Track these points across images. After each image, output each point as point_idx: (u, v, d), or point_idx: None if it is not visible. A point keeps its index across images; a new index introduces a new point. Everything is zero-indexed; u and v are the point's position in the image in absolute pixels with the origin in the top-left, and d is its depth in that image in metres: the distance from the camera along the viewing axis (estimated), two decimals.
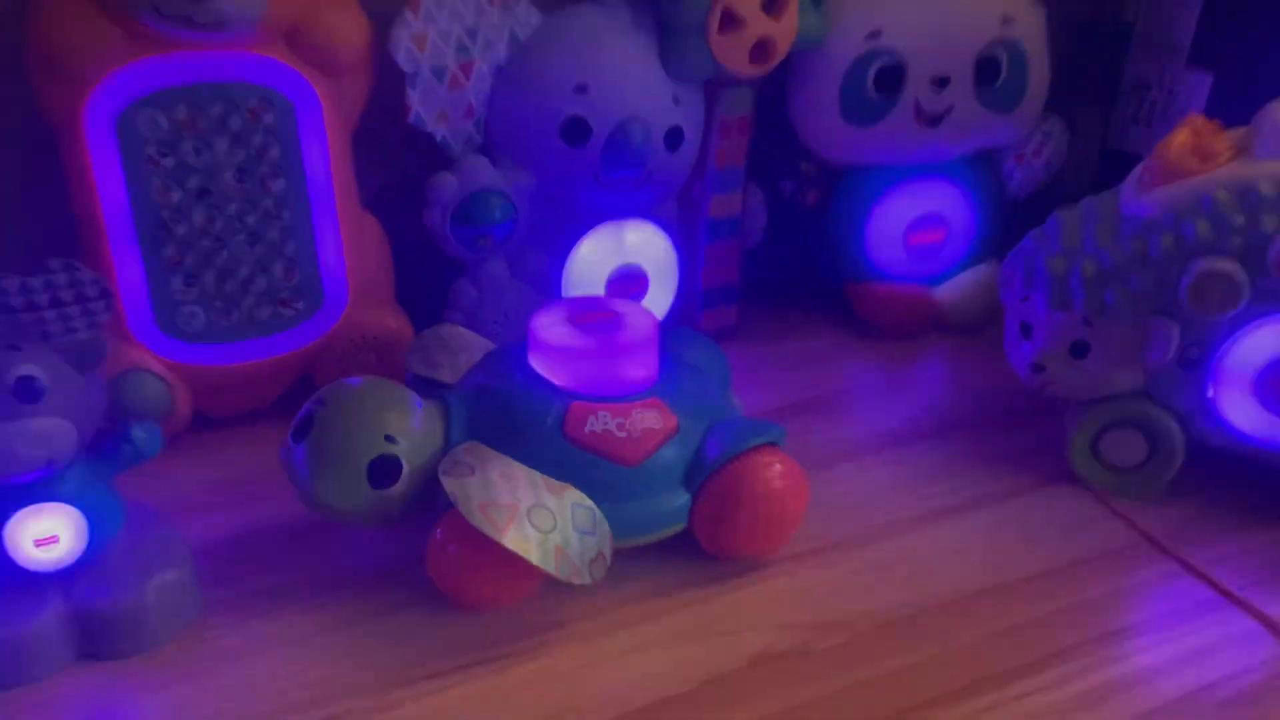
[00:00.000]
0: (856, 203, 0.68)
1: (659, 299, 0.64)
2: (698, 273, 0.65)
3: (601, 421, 0.47)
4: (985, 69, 0.65)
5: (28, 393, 0.39)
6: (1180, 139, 0.52)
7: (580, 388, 0.48)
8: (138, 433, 0.44)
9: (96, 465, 0.44)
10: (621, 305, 0.51)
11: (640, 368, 0.49)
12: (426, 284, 0.61)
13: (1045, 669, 0.44)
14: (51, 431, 0.40)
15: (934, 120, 0.65)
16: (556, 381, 0.48)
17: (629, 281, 0.63)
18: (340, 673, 0.44)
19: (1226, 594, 0.48)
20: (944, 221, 0.69)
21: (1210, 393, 0.52)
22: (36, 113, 0.52)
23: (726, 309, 0.67)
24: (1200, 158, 0.51)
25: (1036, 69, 0.66)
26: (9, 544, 0.42)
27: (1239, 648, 0.46)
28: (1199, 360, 0.52)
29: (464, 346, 0.53)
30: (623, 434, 0.47)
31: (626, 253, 0.63)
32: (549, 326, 0.49)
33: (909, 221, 0.68)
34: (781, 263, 0.71)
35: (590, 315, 0.50)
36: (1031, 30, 0.65)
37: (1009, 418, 0.61)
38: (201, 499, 0.53)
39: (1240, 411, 0.52)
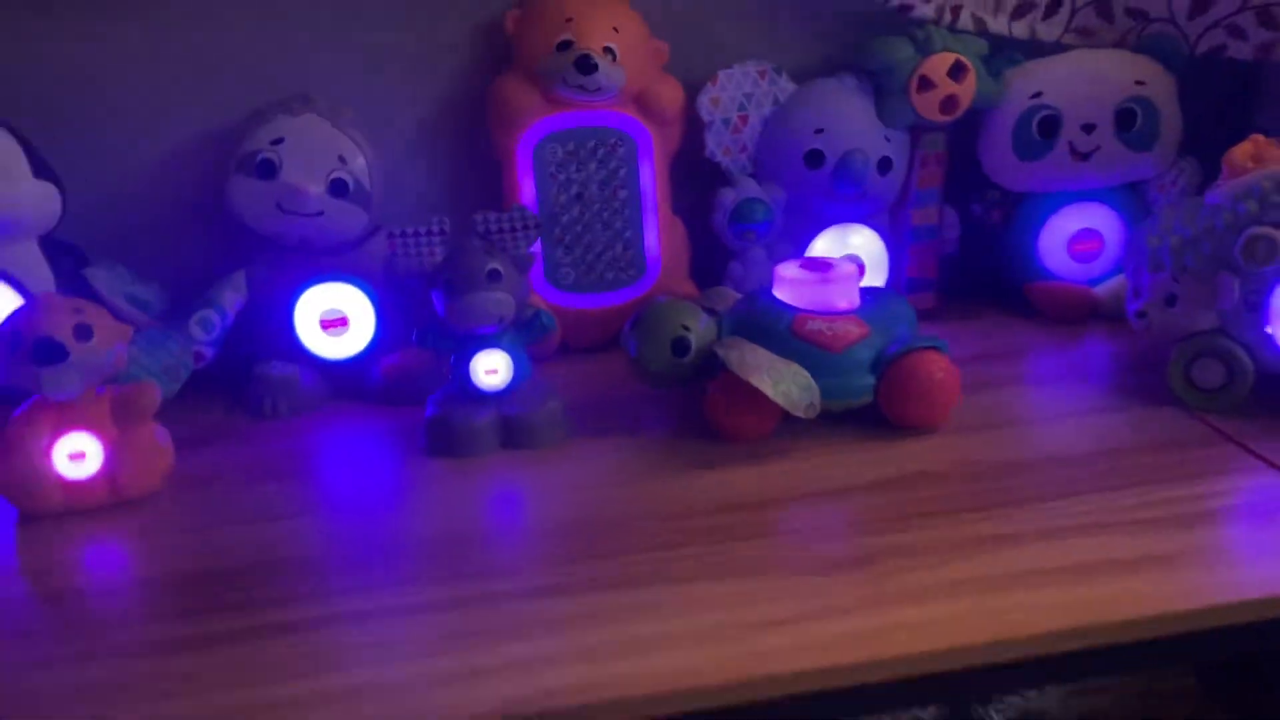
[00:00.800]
0: (1030, 221, 0.92)
1: (874, 283, 0.90)
2: (903, 266, 0.91)
3: (816, 325, 0.73)
4: (1124, 118, 0.87)
5: (495, 276, 0.71)
6: (1243, 148, 0.74)
7: (804, 305, 0.75)
8: (544, 318, 0.76)
9: (521, 333, 0.75)
10: (836, 260, 0.78)
11: (843, 296, 0.75)
12: (711, 265, 0.90)
13: (1131, 491, 0.66)
14: (504, 302, 0.72)
15: (1084, 156, 0.88)
16: (789, 302, 0.75)
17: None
18: (658, 461, 0.72)
19: (1274, 466, 0.67)
20: (1099, 235, 0.91)
21: (1269, 328, 0.71)
22: (489, 144, 0.87)
23: (926, 295, 0.92)
24: (1256, 161, 0.73)
25: (1168, 119, 0.88)
26: (471, 370, 0.74)
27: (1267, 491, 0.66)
28: (1257, 305, 0.72)
29: (732, 299, 0.82)
30: (830, 333, 0.73)
31: (850, 248, 0.90)
32: (786, 268, 0.76)
33: (1071, 235, 0.91)
34: (974, 267, 0.95)
35: (813, 264, 0.77)
36: (1161, 90, 0.88)
37: (1137, 370, 0.82)
38: (564, 387, 0.83)
39: None
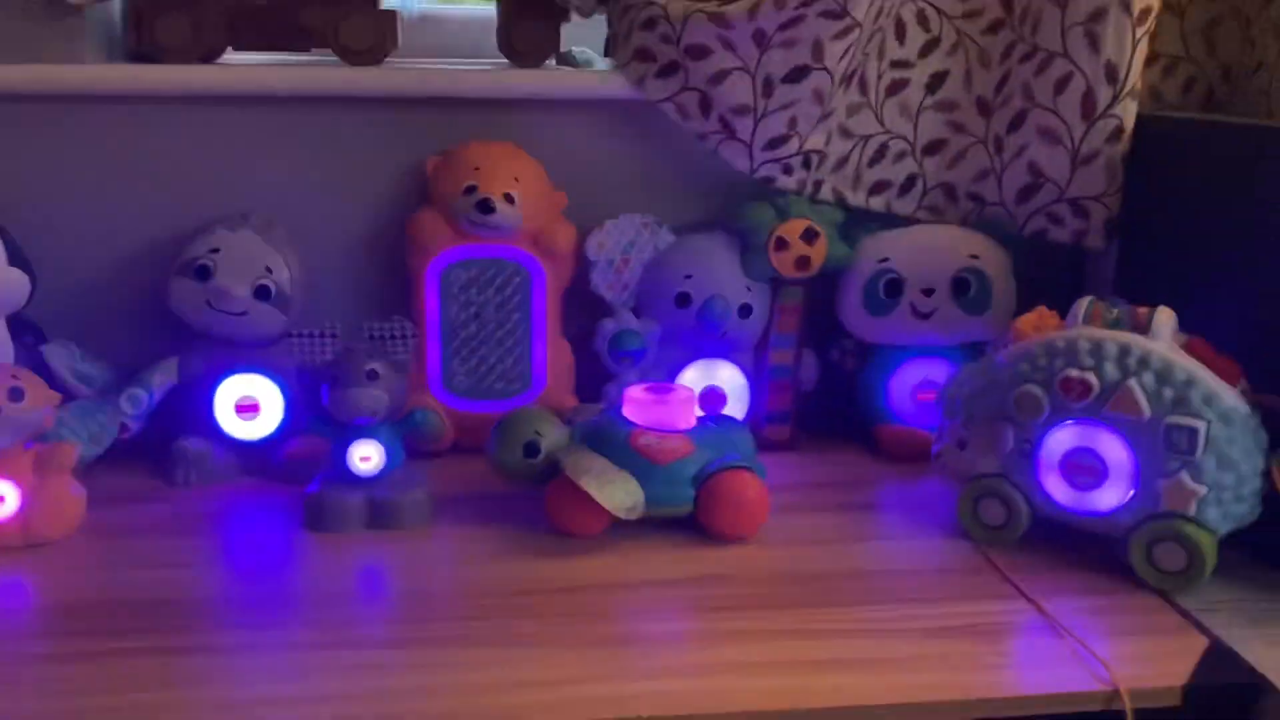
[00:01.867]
0: (880, 369, 1.03)
1: (735, 413, 1.01)
2: (762, 399, 1.02)
3: (648, 440, 0.85)
4: (959, 286, 0.99)
5: (373, 375, 0.84)
6: (1028, 318, 0.85)
7: (643, 423, 0.86)
8: (419, 415, 0.88)
9: (396, 426, 0.87)
10: (677, 387, 0.89)
11: (678, 418, 0.87)
12: (596, 385, 1.02)
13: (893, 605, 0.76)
14: (379, 398, 0.84)
15: (925, 316, 1.00)
16: (631, 419, 0.87)
17: (714, 398, 1.01)
18: (498, 548, 0.83)
19: (1032, 601, 0.77)
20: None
21: (1040, 476, 0.82)
22: (404, 264, 1.00)
23: (782, 428, 1.03)
24: (1037, 329, 0.84)
25: (1000, 288, 1.00)
26: (348, 456, 0.85)
27: (1015, 617, 0.75)
28: (1030, 454, 0.82)
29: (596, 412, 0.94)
30: (658, 448, 0.84)
31: (715, 380, 1.01)
32: (634, 390, 0.88)
33: (915, 384, 1.02)
34: (831, 407, 1.06)
35: (657, 389, 0.89)
36: (994, 263, 1.00)
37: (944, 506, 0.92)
38: (446, 480, 0.94)
39: (1056, 487, 0.81)
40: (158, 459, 0.95)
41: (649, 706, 0.64)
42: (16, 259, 0.92)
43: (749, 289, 1.00)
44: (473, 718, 0.63)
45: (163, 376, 0.94)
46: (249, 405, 0.94)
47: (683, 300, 0.99)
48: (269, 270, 0.93)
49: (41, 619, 0.74)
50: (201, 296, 0.92)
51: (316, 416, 0.86)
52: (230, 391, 0.94)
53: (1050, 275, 1.04)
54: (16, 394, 0.79)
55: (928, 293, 1.00)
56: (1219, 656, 0.70)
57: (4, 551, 0.80)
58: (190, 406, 0.95)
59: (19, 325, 0.93)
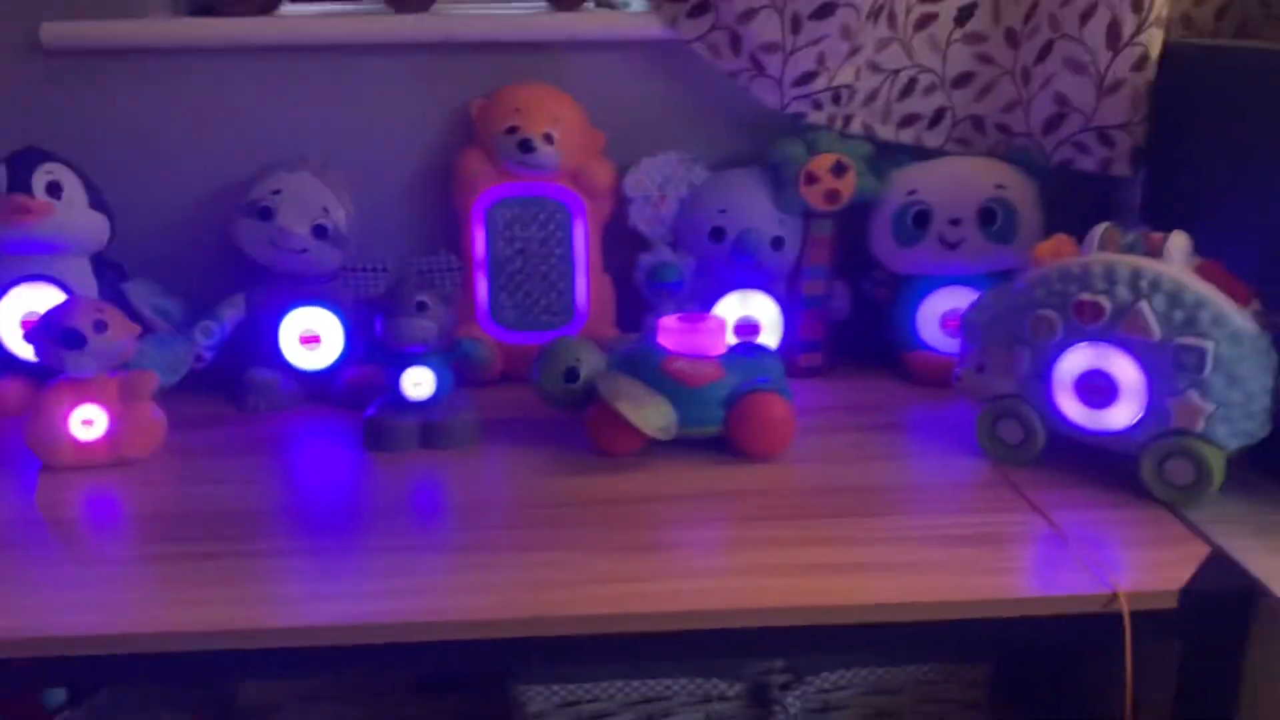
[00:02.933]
0: (909, 299, 1.07)
1: (769, 342, 1.06)
2: (795, 328, 1.07)
3: (680, 364, 0.90)
4: (986, 216, 1.02)
5: (423, 306, 0.90)
6: (1047, 244, 0.88)
7: (675, 349, 0.91)
8: (466, 345, 0.94)
9: (445, 355, 0.93)
10: (708, 316, 0.94)
11: (709, 344, 0.91)
12: (631, 315, 1.07)
13: (916, 516, 0.81)
14: (428, 328, 0.90)
15: (952, 246, 1.03)
16: (665, 346, 0.92)
17: (748, 328, 1.06)
18: (541, 465, 0.89)
19: (1042, 513, 0.81)
20: None
21: (1054, 396, 0.85)
22: (452, 202, 1.06)
23: (814, 355, 1.08)
24: (1055, 255, 0.87)
25: (1026, 218, 1.02)
26: (403, 384, 0.92)
27: (1025, 528, 0.79)
28: (1044, 374, 0.85)
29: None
30: (690, 372, 0.89)
31: (749, 310, 1.06)
32: (667, 319, 0.93)
33: (943, 313, 1.05)
34: (863, 335, 1.10)
35: (689, 318, 0.94)
36: (1021, 193, 1.02)
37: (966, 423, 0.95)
38: (494, 406, 1.01)
39: (1070, 407, 0.84)
40: (229, 387, 1.03)
41: (685, 602, 0.70)
42: (97, 203, 0.99)
43: (781, 222, 1.04)
44: (517, 610, 0.69)
45: (232, 310, 1.01)
46: (311, 336, 1.01)
47: (717, 234, 1.03)
48: (326, 210, 0.99)
49: (130, 527, 0.82)
50: (265, 235, 0.99)
51: (372, 346, 0.93)
52: (294, 324, 1.01)
53: (1077, 204, 1.06)
54: (101, 326, 0.86)
55: (955, 223, 1.03)
56: (1218, 564, 0.74)
57: (95, 469, 0.88)
58: (257, 338, 1.02)
59: (102, 264, 1.01)
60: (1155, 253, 0.83)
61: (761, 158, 1.05)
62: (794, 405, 0.90)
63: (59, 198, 0.97)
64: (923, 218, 1.04)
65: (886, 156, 1.06)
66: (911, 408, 1.02)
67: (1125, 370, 0.82)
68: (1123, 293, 0.81)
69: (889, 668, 0.92)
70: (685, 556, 0.77)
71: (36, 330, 0.87)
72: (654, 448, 0.89)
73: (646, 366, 0.91)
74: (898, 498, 0.84)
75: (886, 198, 1.05)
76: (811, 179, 1.02)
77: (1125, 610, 0.70)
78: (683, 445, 0.90)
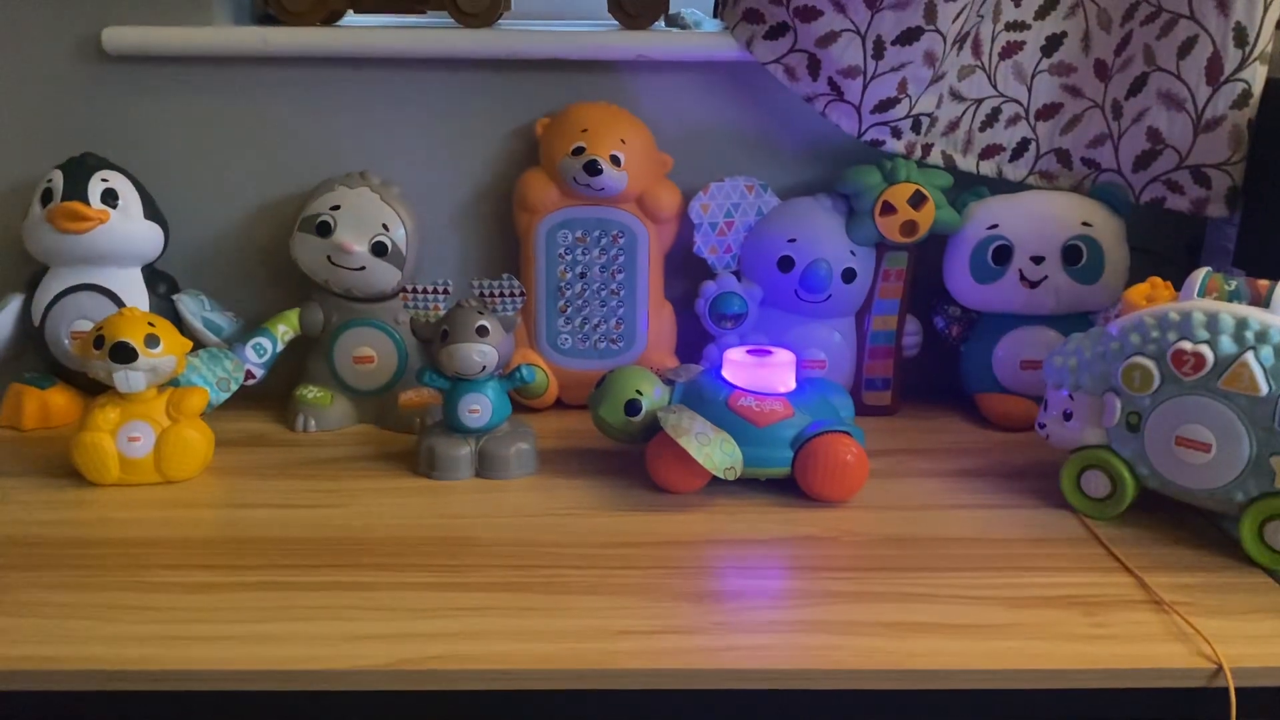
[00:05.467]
0: (986, 337, 1.02)
1: (836, 377, 1.01)
2: (864, 364, 1.02)
3: (747, 401, 0.86)
4: (1070, 254, 0.97)
5: (483, 331, 0.86)
6: (1140, 288, 0.83)
7: (742, 384, 0.87)
8: (525, 371, 0.90)
9: (502, 381, 0.90)
10: (776, 351, 0.90)
11: (777, 381, 0.87)
12: (692, 345, 1.04)
13: (988, 572, 0.76)
14: (488, 353, 0.87)
15: (1033, 284, 0.98)
16: (731, 380, 0.88)
17: (816, 362, 1.01)
18: (599, 500, 0.85)
19: (1133, 574, 0.76)
20: None
21: (1146, 449, 0.80)
22: (513, 224, 1.03)
23: (883, 393, 1.03)
24: (1149, 300, 0.82)
25: (1113, 258, 0.97)
26: (459, 410, 0.88)
27: (1115, 589, 0.74)
28: (1137, 425, 0.80)
29: (696, 374, 0.95)
30: (757, 410, 0.85)
31: (815, 342, 1.01)
32: (733, 352, 0.89)
33: (1021, 353, 1.01)
34: (936, 373, 1.05)
35: (757, 352, 0.90)
36: (1107, 231, 0.97)
37: (1046, 476, 0.90)
38: (549, 434, 0.97)
39: (1163, 461, 0.79)
40: (280, 405, 1.00)
41: (743, 660, 0.66)
42: (152, 213, 0.97)
43: (853, 253, 1.00)
44: (569, 661, 0.66)
45: (286, 328, 0.99)
46: (365, 357, 0.98)
47: (786, 264, 0.99)
48: (385, 227, 0.96)
49: (172, 550, 0.79)
50: (322, 251, 0.96)
51: (428, 369, 0.90)
52: (348, 343, 0.98)
53: (1166, 245, 1.01)
54: (153, 341, 0.83)
55: (1037, 260, 0.98)
56: None
57: (139, 488, 0.86)
58: (310, 356, 0.99)
59: (154, 276, 0.99)
60: (1259, 301, 0.78)
61: (831, 186, 1.01)
62: (864, 449, 0.86)
63: (114, 206, 0.95)
64: (1003, 253, 0.99)
65: (964, 188, 1.01)
66: (986, 453, 0.97)
67: (1227, 425, 0.77)
68: (1227, 343, 0.76)
69: None
70: (746, 609, 0.72)
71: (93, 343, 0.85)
72: (715, 487, 0.85)
73: (712, 402, 0.87)
74: (974, 551, 0.80)
75: (965, 231, 1.00)
76: (888, 209, 0.98)
77: (1230, 685, 0.65)
78: (746, 485, 0.86)
